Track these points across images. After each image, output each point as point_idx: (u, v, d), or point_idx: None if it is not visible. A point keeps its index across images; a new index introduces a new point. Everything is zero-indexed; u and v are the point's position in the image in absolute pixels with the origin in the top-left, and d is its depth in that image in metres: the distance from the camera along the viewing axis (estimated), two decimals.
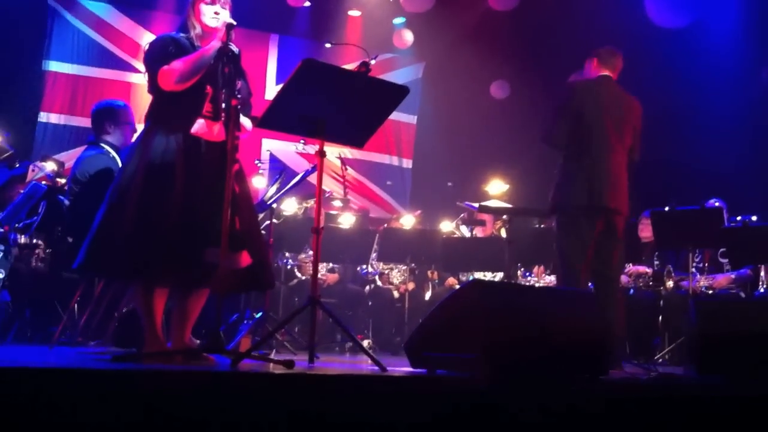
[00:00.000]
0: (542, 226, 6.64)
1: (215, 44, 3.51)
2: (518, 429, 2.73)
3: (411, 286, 7.08)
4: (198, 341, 4.06)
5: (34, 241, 5.49)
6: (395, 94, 3.78)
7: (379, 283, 7.30)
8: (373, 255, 7.12)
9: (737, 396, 3.24)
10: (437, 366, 3.24)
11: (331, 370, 3.28)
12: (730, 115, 7.95)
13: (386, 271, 7.34)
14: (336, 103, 3.64)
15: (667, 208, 6.19)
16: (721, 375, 3.75)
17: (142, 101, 6.79)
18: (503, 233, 6.76)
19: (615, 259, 4.67)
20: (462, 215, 7.35)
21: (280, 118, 3.69)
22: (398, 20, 9.88)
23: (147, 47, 3.71)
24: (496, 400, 2.76)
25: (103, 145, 4.77)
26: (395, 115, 9.13)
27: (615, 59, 4.80)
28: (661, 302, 6.38)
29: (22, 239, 5.40)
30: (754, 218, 6.35)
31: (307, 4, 9.50)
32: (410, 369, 3.36)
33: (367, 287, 7.36)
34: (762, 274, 6.15)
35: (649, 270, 6.59)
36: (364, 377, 2.95)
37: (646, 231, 6.58)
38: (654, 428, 2.97)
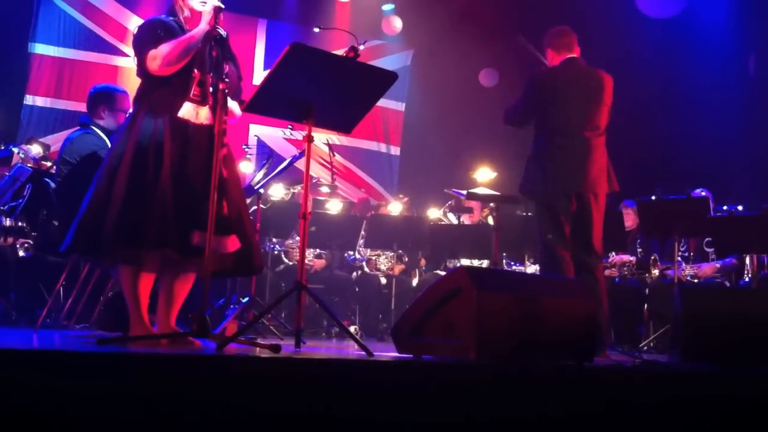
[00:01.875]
0: (529, 214, 6.64)
1: (203, 27, 3.49)
2: (504, 414, 2.75)
3: (399, 268, 7.09)
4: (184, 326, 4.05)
5: (19, 224, 5.46)
6: (383, 80, 3.77)
7: (366, 269, 7.31)
8: (360, 241, 7.13)
9: (721, 383, 3.27)
10: (424, 352, 3.25)
11: (318, 354, 3.29)
12: (719, 105, 7.99)
13: (373, 258, 7.34)
14: (324, 88, 3.63)
15: (653, 197, 6.22)
16: (705, 362, 3.78)
17: (128, 85, 6.75)
18: (490, 221, 6.78)
19: (595, 243, 4.62)
20: (449, 202, 7.36)
21: (267, 103, 3.67)
22: (387, 6, 9.85)
23: (136, 31, 3.69)
24: (483, 385, 2.78)
25: (93, 127, 4.74)
26: (383, 102, 9.12)
27: (566, 39, 4.75)
28: (647, 290, 6.42)
29: (7, 222, 5.37)
30: (740, 208, 6.40)
31: None
32: (397, 354, 3.37)
33: (354, 273, 7.37)
34: (747, 263, 6.20)
35: (632, 258, 6.62)
36: (351, 362, 2.95)
37: (629, 219, 6.61)
38: (638, 414, 2.99)
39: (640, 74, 8.03)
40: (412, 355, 3.28)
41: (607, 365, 3.70)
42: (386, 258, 7.28)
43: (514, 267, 6.84)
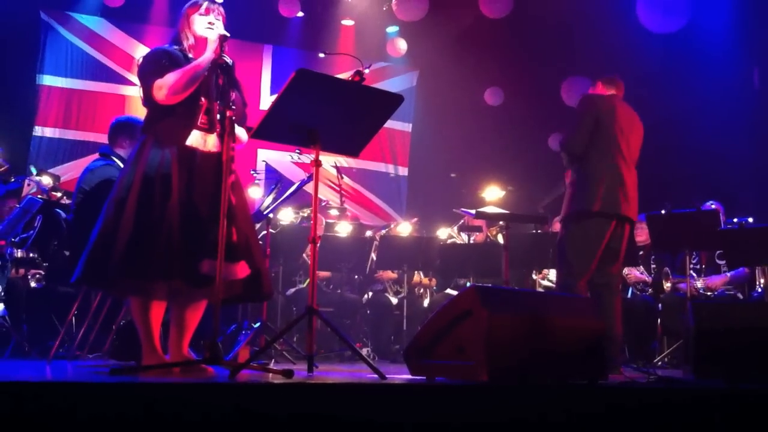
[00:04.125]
0: (539, 231, 6.65)
1: (209, 56, 3.52)
2: None
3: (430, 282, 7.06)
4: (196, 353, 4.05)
5: (31, 255, 5.48)
6: (389, 103, 3.78)
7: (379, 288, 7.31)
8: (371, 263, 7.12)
9: (737, 398, 3.24)
10: (437, 373, 3.24)
11: (331, 379, 3.28)
12: (725, 118, 7.98)
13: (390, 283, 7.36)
14: (330, 113, 3.64)
15: (663, 212, 6.21)
16: (720, 377, 3.75)
17: (136, 114, 6.79)
18: (500, 239, 6.77)
19: (617, 266, 4.80)
20: (462, 221, 7.35)
21: (274, 129, 3.68)
22: (391, 29, 9.91)
23: (140, 60, 3.71)
24: (496, 406, 2.76)
25: (114, 158, 4.77)
26: (390, 123, 9.08)
27: (617, 83, 4.98)
28: (659, 305, 6.39)
29: (19, 253, 5.39)
30: (750, 220, 6.37)
31: (300, 14, 9.53)
32: (410, 377, 3.35)
33: (365, 295, 7.36)
34: (758, 275, 6.16)
35: (648, 279, 6.61)
36: (364, 386, 2.94)
37: (641, 234, 6.59)
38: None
39: (645, 89, 8.03)
40: (425, 377, 3.27)
41: (621, 383, 3.67)
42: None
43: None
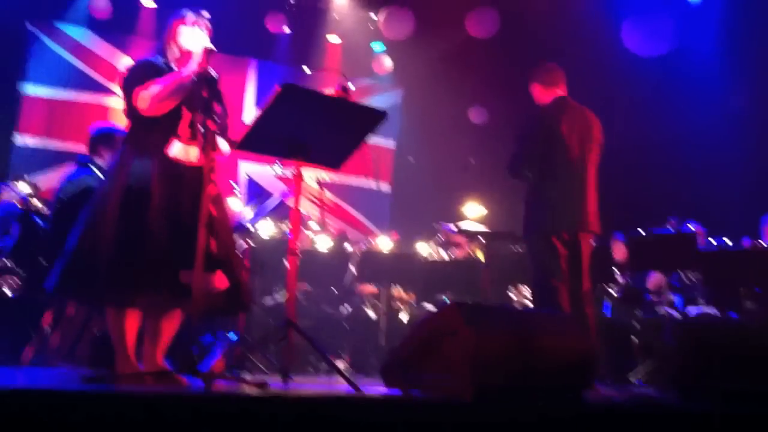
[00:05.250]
0: (521, 250, 6.67)
1: (194, 68, 3.52)
2: None
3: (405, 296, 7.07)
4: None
5: (7, 263, 5.43)
6: (373, 119, 3.80)
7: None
8: (350, 277, 7.11)
9: (714, 417, 3.25)
10: (412, 387, 3.23)
11: (305, 391, 3.26)
12: (709, 140, 8.06)
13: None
14: (314, 127, 3.66)
15: (642, 232, 6.26)
16: (697, 396, 3.76)
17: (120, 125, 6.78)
18: (480, 255, 6.79)
19: (585, 280, 4.65)
20: (441, 237, 7.36)
21: (258, 142, 3.70)
22: (378, 47, 9.96)
23: (125, 71, 3.71)
24: (472, 421, 2.76)
25: (92, 167, 4.75)
26: (374, 140, 9.18)
27: (555, 75, 4.77)
28: (636, 323, 6.42)
29: None
30: (727, 241, 6.43)
31: (287, 30, 9.56)
32: (385, 390, 3.35)
33: (344, 309, 7.34)
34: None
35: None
36: (338, 398, 2.94)
37: (618, 253, 6.64)
38: None
39: (630, 111, 8.13)
40: (400, 391, 3.26)
41: (598, 400, 3.68)
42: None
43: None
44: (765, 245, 6.16)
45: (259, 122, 3.54)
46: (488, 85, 9.26)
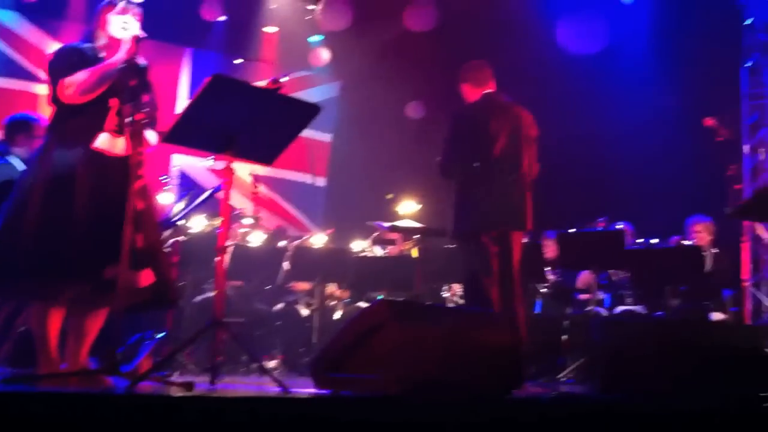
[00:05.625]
0: (454, 246, 6.69)
1: (121, 56, 3.42)
2: None
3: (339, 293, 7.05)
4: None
5: None
6: (306, 112, 3.76)
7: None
8: (283, 273, 7.04)
9: (638, 414, 3.31)
10: (344, 387, 3.21)
11: (232, 392, 3.22)
12: (640, 139, 8.21)
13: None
14: (245, 120, 3.59)
15: (572, 230, 6.35)
16: (622, 393, 3.83)
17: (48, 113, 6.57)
18: (414, 253, 6.79)
19: (514, 277, 4.67)
20: (375, 234, 7.35)
21: (187, 134, 3.61)
22: (315, 38, 9.88)
23: (50, 56, 3.59)
24: (400, 420, 2.75)
25: (10, 156, 4.59)
26: (310, 133, 9.11)
27: (483, 72, 4.78)
28: (566, 321, 6.53)
29: None
30: (655, 241, 6.57)
31: (223, 18, 9.40)
32: (314, 390, 3.32)
33: (276, 307, 7.27)
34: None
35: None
36: (265, 399, 2.89)
37: (549, 251, 6.73)
38: None
39: (564, 109, 8.22)
40: (329, 391, 3.24)
41: (524, 398, 3.71)
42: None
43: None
44: (690, 244, 6.33)
45: (187, 114, 3.46)
46: (426, 79, 9.26)
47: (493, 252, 4.57)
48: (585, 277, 6.74)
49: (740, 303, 5.99)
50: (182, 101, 9.27)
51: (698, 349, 3.87)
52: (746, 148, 7.61)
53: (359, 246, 7.62)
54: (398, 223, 5.61)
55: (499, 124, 4.61)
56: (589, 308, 6.45)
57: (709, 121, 5.66)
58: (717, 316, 6.38)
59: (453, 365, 3.26)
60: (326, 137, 10.27)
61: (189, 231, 6.34)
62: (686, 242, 6.38)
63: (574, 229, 6.42)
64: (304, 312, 7.14)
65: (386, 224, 5.65)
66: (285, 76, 3.73)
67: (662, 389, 3.76)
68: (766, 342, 4.05)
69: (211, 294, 6.67)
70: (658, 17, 8.69)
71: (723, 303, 6.50)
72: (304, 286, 7.27)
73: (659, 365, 3.84)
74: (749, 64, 7.71)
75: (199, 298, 6.68)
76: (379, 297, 6.75)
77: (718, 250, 6.45)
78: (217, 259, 3.56)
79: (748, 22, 7.73)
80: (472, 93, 4.78)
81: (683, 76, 8.33)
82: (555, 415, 3.21)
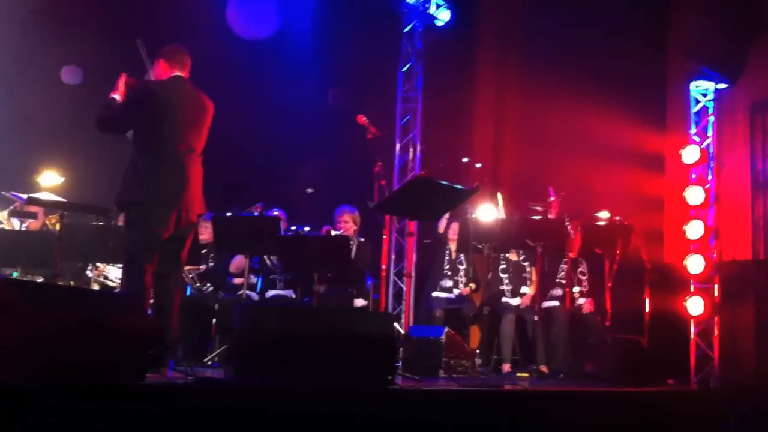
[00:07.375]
0: (101, 223, 6.33)
1: None
2: None
3: None
4: None
5: None
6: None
7: None
8: None
9: (270, 398, 3.38)
10: None
11: None
12: (301, 130, 8.41)
13: None
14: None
15: (229, 214, 6.35)
16: (258, 377, 3.87)
17: None
18: (58, 228, 6.31)
19: (179, 260, 4.69)
20: (13, 205, 6.67)
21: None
22: None
23: None
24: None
25: None
26: None
27: (182, 57, 4.78)
28: (217, 305, 6.52)
29: None
30: (307, 229, 6.81)
31: None
32: None
33: None
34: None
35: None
36: None
37: (205, 233, 6.69)
38: None
39: (231, 94, 8.13)
40: None
41: (158, 383, 3.60)
42: None
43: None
44: (338, 233, 6.65)
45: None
46: (84, 44, 8.63)
47: (159, 233, 4.43)
48: (239, 261, 6.78)
49: (379, 291, 6.39)
50: None
51: (333, 334, 4.06)
52: (397, 147, 8.18)
53: None
54: (38, 195, 5.12)
55: (184, 108, 4.60)
56: (241, 292, 6.49)
57: (361, 119, 6.01)
58: (360, 302, 6.80)
59: (82, 350, 3.09)
60: None
61: None
62: (334, 232, 6.69)
63: (230, 213, 6.41)
64: None
65: (24, 195, 5.13)
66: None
67: (299, 373, 3.88)
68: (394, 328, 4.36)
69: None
70: (324, 16, 8.93)
71: (366, 291, 6.95)
72: None
73: (297, 350, 3.96)
74: (405, 68, 8.31)
75: None
76: (15, 274, 6.18)
77: (363, 239, 6.87)
78: None
79: (407, 29, 8.32)
80: (163, 71, 4.73)
81: (345, 73, 8.70)
82: (184, 400, 3.17)
